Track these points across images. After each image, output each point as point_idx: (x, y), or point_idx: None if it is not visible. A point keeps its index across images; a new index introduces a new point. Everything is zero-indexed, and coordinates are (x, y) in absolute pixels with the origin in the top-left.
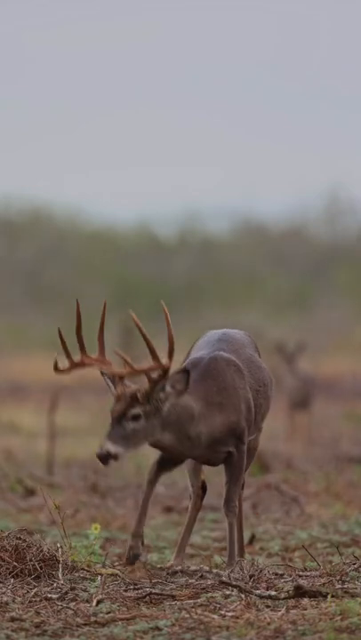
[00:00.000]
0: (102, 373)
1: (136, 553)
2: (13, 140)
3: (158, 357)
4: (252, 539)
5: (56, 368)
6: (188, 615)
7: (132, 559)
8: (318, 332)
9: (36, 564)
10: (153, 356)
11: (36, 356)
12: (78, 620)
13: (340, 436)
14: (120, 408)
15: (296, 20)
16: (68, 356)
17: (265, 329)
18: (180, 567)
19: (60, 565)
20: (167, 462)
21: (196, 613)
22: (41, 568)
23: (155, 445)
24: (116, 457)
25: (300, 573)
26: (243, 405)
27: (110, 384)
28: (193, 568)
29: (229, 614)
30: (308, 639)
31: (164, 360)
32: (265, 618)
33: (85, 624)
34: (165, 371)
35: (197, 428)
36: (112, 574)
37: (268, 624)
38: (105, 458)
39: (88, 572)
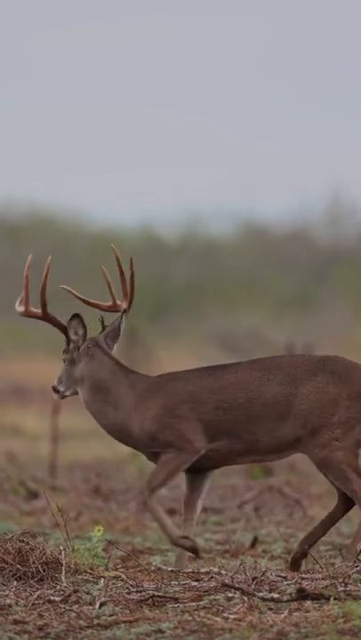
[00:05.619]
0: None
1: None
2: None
3: (114, 296)
4: (255, 541)
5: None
6: (190, 618)
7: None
8: (320, 333)
9: (39, 566)
10: (110, 293)
11: (38, 358)
12: (81, 622)
13: None
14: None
15: (296, 21)
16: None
17: (267, 331)
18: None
19: (62, 568)
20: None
21: (199, 616)
22: (44, 570)
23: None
24: (58, 391)
25: (303, 576)
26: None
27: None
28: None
29: (232, 617)
30: None
31: (119, 301)
32: (268, 620)
33: (88, 626)
34: (124, 312)
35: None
36: (115, 577)
37: (271, 626)
38: (54, 391)
39: (91, 574)
